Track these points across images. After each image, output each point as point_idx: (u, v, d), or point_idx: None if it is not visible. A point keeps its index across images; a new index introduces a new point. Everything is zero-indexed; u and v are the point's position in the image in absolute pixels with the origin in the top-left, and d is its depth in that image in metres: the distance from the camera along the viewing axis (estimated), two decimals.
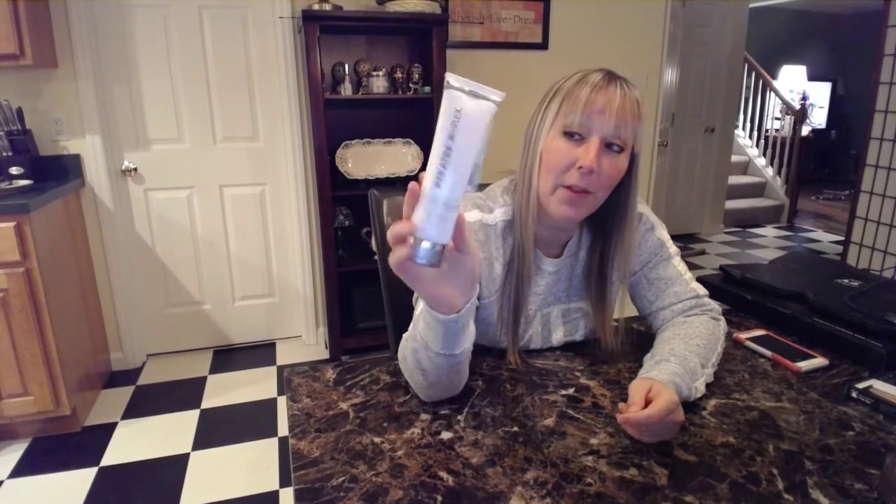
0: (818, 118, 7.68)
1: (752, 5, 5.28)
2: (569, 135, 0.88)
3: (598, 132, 0.86)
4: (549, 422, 0.82)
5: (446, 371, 0.79)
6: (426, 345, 0.76)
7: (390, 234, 0.60)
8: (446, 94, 0.55)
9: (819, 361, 0.99)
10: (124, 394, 2.56)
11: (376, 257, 1.26)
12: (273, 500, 1.90)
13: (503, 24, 2.93)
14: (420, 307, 0.78)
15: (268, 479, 1.99)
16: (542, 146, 0.90)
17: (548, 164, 0.90)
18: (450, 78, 0.54)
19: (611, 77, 0.88)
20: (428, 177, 0.56)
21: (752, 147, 6.33)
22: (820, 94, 7.65)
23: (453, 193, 0.56)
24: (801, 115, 5.70)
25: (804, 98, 7.18)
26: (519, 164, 0.96)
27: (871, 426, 0.82)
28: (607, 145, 0.87)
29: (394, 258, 0.61)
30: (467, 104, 0.54)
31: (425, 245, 0.58)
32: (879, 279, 1.23)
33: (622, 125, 0.86)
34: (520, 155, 0.96)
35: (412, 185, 0.58)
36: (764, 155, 6.22)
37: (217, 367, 2.79)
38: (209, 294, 2.92)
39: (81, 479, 1.99)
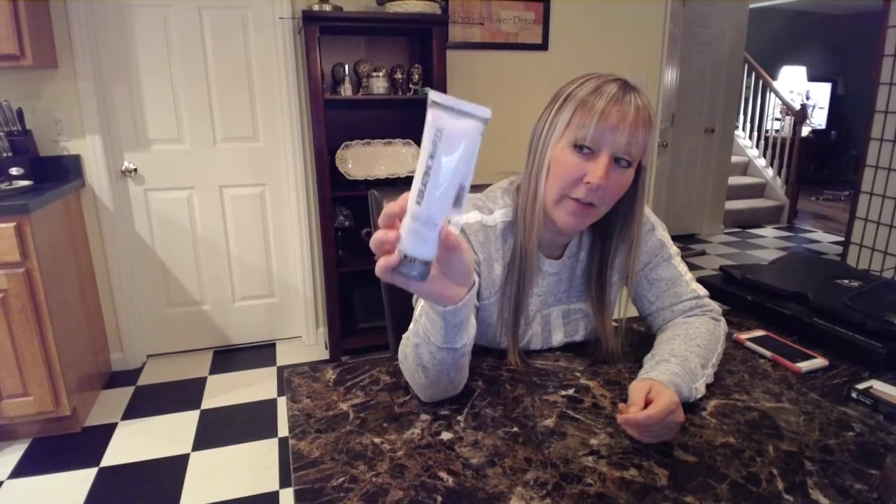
0: (818, 118, 7.68)
1: (752, 5, 5.28)
2: (578, 147, 0.87)
3: (608, 148, 0.85)
4: (549, 422, 0.82)
5: (447, 367, 0.79)
6: (428, 339, 0.76)
7: (372, 242, 0.59)
8: (429, 112, 0.54)
9: (819, 362, 0.99)
10: (124, 394, 2.56)
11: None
12: (273, 500, 1.90)
13: (503, 24, 2.93)
14: (420, 304, 0.78)
15: (268, 480, 1.99)
16: (551, 156, 0.89)
17: (555, 176, 0.89)
18: (433, 96, 0.54)
19: (626, 89, 0.87)
20: (411, 193, 0.56)
21: (752, 147, 6.33)
22: (820, 95, 7.65)
23: (432, 212, 0.56)
24: (801, 116, 5.70)
25: (807, 97, 7.18)
26: (524, 167, 0.95)
27: (871, 426, 0.82)
28: (616, 160, 0.87)
29: (378, 267, 0.60)
30: (448, 123, 0.54)
31: (408, 259, 0.58)
32: (879, 279, 1.23)
33: (633, 142, 0.85)
34: (525, 156, 0.95)
35: (403, 196, 0.58)
36: (764, 155, 6.22)
37: (217, 368, 2.79)
38: (209, 294, 2.92)
39: (81, 480, 1.99)
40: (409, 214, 0.56)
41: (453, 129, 0.54)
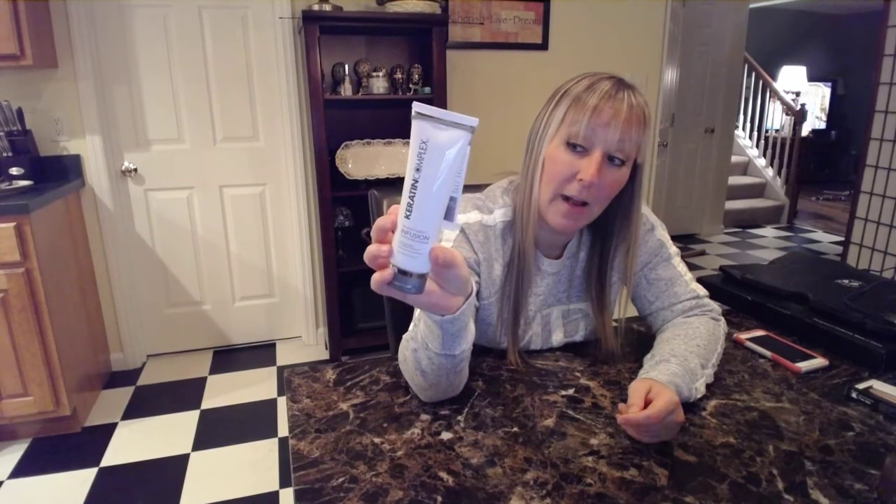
0: (811, 122, 7.65)
1: (752, 5, 5.28)
2: (572, 146, 0.87)
3: (601, 145, 0.85)
4: (549, 422, 0.82)
5: (446, 372, 0.79)
6: (426, 345, 0.76)
7: (366, 256, 0.59)
8: (413, 124, 0.53)
9: (819, 362, 0.99)
10: (124, 394, 2.56)
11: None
12: (273, 500, 1.90)
13: (503, 24, 2.93)
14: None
15: (268, 480, 1.99)
16: (545, 153, 0.90)
17: (549, 173, 0.89)
18: (416, 107, 0.53)
19: (620, 86, 0.87)
20: (401, 206, 0.56)
21: (752, 147, 6.33)
22: (819, 96, 7.64)
23: (422, 225, 0.55)
24: (800, 116, 5.70)
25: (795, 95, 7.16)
26: (522, 165, 0.95)
27: (871, 426, 0.82)
28: (609, 158, 0.87)
29: (373, 281, 0.60)
30: (433, 135, 0.53)
31: (402, 273, 0.57)
32: (879, 279, 1.23)
33: (626, 139, 0.85)
34: (523, 154, 0.95)
35: (394, 207, 0.58)
36: (764, 155, 6.22)
37: (217, 368, 2.79)
38: (209, 294, 2.92)
39: (81, 480, 1.99)
40: (400, 228, 0.56)
41: (439, 141, 0.53)
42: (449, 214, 0.56)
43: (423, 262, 0.57)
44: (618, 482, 0.70)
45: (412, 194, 0.54)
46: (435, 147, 0.53)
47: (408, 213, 0.55)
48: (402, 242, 0.56)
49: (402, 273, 0.57)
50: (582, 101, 0.86)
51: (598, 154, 0.85)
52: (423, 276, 0.58)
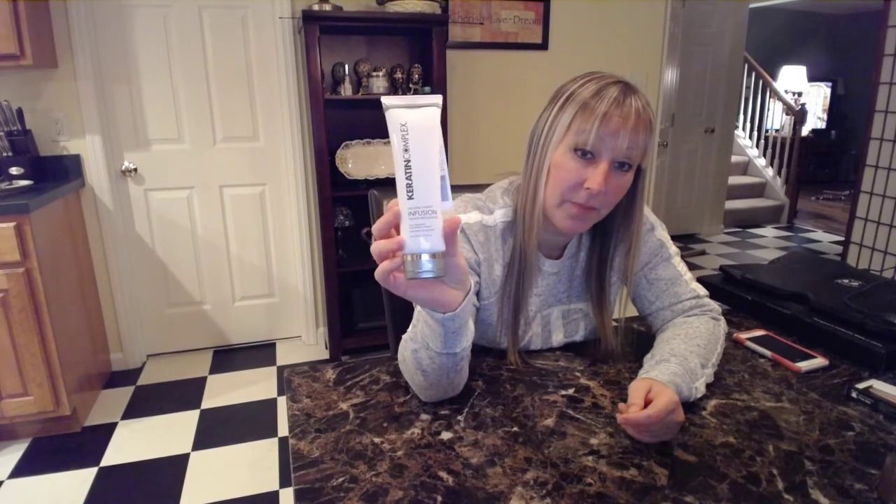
0: (812, 122, 7.66)
1: (752, 5, 5.28)
2: (579, 152, 0.87)
3: (609, 154, 0.85)
4: (549, 422, 0.82)
5: (447, 371, 0.79)
6: (427, 345, 0.76)
7: (375, 250, 0.59)
8: (387, 116, 0.58)
9: (819, 362, 0.99)
10: (124, 394, 2.56)
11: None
12: (273, 500, 1.90)
13: (503, 24, 2.93)
14: (418, 308, 0.78)
15: (268, 480, 1.99)
16: (551, 159, 0.89)
17: (556, 180, 0.89)
18: (385, 101, 0.59)
19: (627, 92, 0.86)
20: (400, 195, 0.58)
21: (752, 147, 6.33)
22: (819, 96, 7.64)
23: (427, 200, 0.57)
24: (801, 116, 5.70)
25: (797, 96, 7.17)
26: (524, 168, 0.95)
27: (871, 426, 0.82)
28: (616, 164, 0.87)
29: (379, 271, 0.60)
30: (410, 116, 0.58)
31: (425, 258, 0.58)
32: (879, 279, 1.23)
33: (634, 146, 0.85)
34: (524, 155, 0.95)
35: (391, 203, 0.59)
36: (764, 155, 6.22)
37: (217, 368, 2.79)
38: (209, 294, 2.92)
39: (81, 480, 1.99)
40: (406, 213, 0.57)
41: (417, 119, 0.58)
42: (444, 194, 0.58)
43: (438, 236, 0.58)
44: (618, 482, 0.70)
45: (408, 174, 0.57)
46: (415, 125, 0.57)
47: (410, 194, 0.57)
48: (413, 225, 0.57)
49: (420, 258, 0.58)
50: (591, 108, 0.85)
51: (606, 162, 0.85)
52: (439, 256, 0.59)
